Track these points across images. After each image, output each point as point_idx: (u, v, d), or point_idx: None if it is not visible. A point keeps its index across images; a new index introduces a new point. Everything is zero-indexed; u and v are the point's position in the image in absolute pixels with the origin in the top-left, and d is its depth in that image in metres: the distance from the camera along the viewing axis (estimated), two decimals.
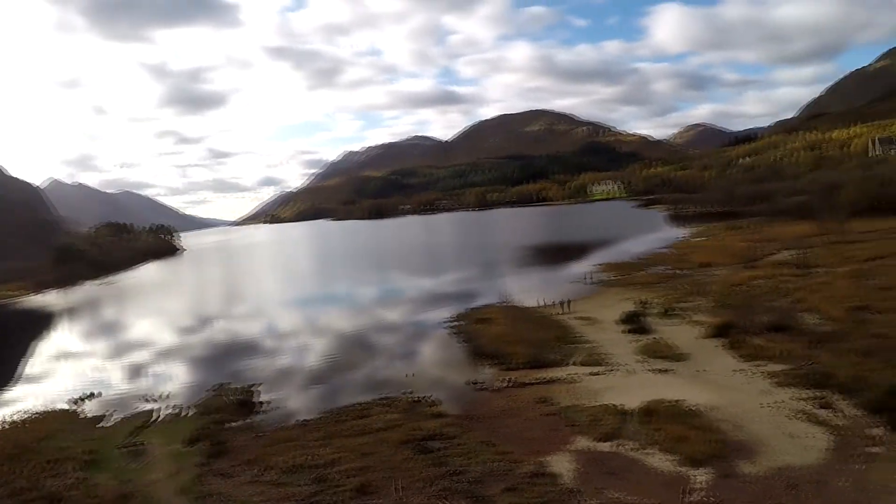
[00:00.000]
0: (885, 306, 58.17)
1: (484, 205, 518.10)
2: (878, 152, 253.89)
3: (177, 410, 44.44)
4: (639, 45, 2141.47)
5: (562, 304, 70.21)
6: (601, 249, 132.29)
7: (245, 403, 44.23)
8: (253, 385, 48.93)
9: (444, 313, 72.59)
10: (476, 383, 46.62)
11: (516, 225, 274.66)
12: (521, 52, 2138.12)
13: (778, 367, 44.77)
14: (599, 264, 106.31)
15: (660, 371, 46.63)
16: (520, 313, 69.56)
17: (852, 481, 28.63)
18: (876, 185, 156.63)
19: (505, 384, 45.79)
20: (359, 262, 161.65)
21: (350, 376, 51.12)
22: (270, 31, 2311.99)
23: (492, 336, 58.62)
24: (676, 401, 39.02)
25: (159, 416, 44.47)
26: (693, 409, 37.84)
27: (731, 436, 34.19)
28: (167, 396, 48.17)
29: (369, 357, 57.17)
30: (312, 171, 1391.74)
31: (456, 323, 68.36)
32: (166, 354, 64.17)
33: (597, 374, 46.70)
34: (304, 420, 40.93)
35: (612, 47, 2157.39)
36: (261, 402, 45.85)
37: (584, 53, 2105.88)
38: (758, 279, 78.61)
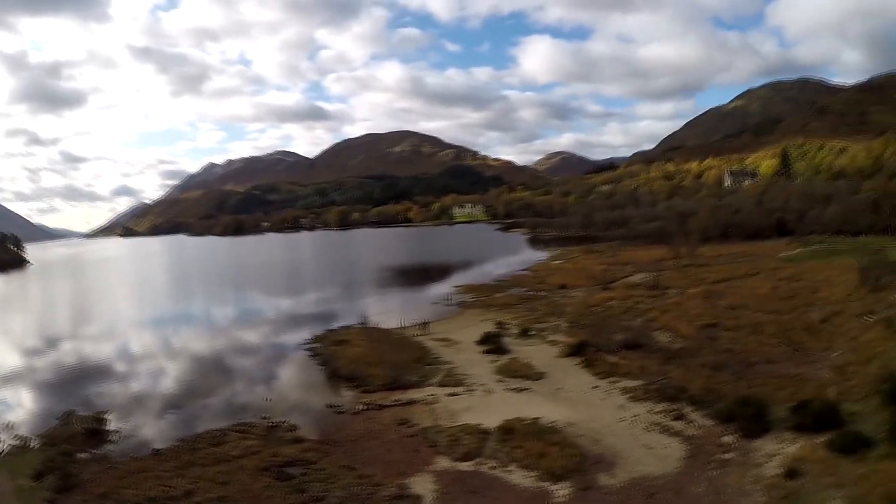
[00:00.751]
0: (732, 324, 71.16)
1: (346, 224, 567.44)
2: (730, 183, 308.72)
3: (21, 442, 45.69)
4: (508, 73, 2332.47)
5: (421, 325, 78.49)
6: (462, 271, 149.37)
7: (95, 432, 46.50)
8: (104, 412, 50.46)
9: (303, 335, 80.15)
10: (335, 406, 50.77)
11: (378, 245, 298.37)
12: (392, 72, 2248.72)
13: (633, 383, 52.16)
14: (460, 286, 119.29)
15: (518, 390, 52.44)
16: (379, 335, 76.16)
17: (708, 486, 34.33)
18: (728, 213, 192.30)
19: (364, 406, 50.16)
20: (217, 281, 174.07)
21: (206, 401, 54.42)
22: (138, 29, 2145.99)
23: (351, 358, 63.94)
24: (535, 418, 44.07)
25: (2, 449, 43.95)
26: (552, 425, 42.86)
27: (590, 450, 39.21)
28: (10, 426, 48.87)
29: (226, 381, 61.42)
30: (171, 182, 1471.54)
31: (315, 345, 74.13)
32: (8, 380, 65.34)
33: (456, 394, 52.09)
34: (159, 449, 43.07)
35: (482, 74, 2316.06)
36: (112, 431, 46.93)
37: (454, 78, 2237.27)
38: (613, 300, 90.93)
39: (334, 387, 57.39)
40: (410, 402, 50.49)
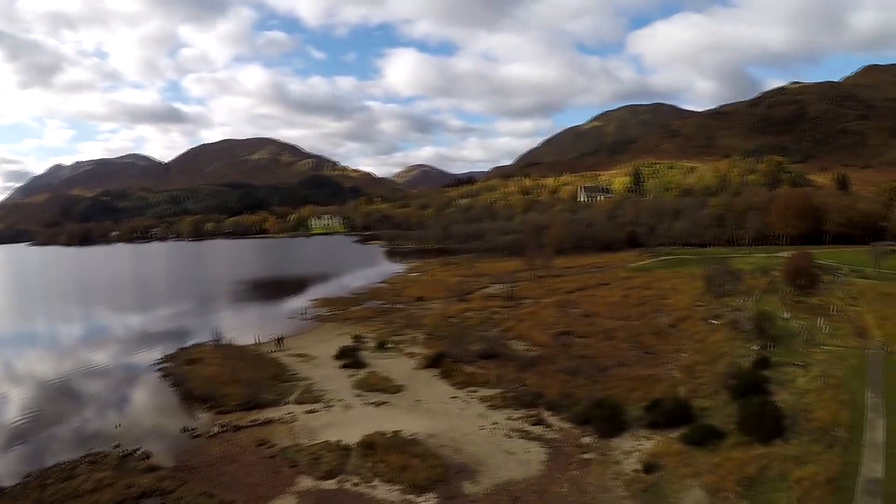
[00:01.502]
0: (586, 331, 76.17)
1: (200, 235, 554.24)
2: (584, 199, 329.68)
3: None
4: (372, 83, 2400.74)
5: (277, 340, 77.67)
6: (318, 284, 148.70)
7: None
8: None
9: (154, 354, 78.62)
10: (191, 430, 48.96)
11: (233, 258, 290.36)
12: (255, 76, 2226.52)
13: (491, 392, 54.06)
14: (316, 299, 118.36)
15: (378, 404, 52.59)
16: (234, 352, 74.26)
17: (571, 486, 36.10)
18: (582, 226, 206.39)
19: (221, 429, 48.66)
20: (62, 296, 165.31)
21: (54, 430, 51.24)
22: None
23: (205, 378, 61.95)
24: (396, 431, 44.31)
25: None
26: (413, 437, 43.23)
27: (453, 459, 39.89)
28: None
29: (74, 407, 57.98)
30: (14, 184, 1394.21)
31: (167, 364, 71.46)
32: None
33: (315, 411, 51.50)
34: (4, 488, 40.03)
35: (346, 83, 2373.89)
36: None
37: (318, 86, 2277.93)
38: (470, 311, 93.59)
39: (189, 409, 55.40)
40: (268, 422, 49.53)
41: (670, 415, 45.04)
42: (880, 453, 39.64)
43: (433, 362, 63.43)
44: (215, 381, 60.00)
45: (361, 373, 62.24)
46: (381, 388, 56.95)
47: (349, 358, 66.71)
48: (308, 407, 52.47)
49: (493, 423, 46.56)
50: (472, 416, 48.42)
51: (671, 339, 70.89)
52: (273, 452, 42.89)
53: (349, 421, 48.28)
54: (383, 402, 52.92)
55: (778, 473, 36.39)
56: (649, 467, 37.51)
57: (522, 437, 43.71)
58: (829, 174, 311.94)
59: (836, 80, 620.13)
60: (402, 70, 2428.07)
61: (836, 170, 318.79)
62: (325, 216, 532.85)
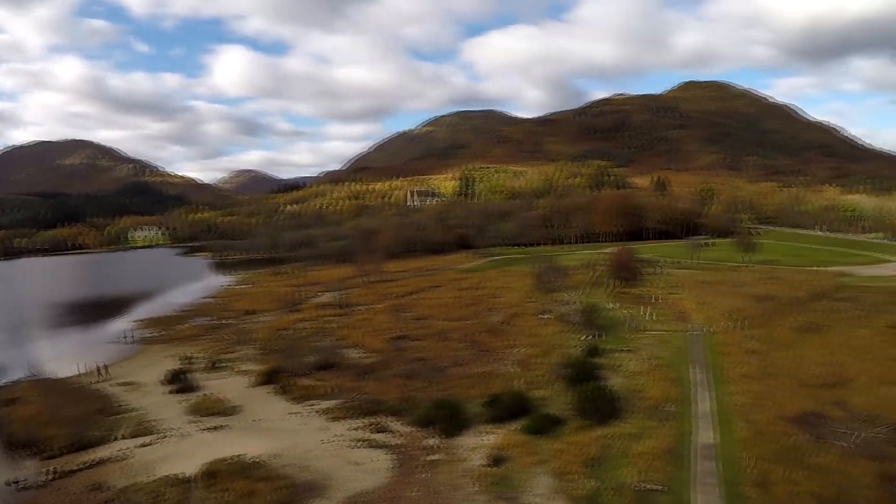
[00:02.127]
0: (420, 333, 78.05)
1: (10, 252, 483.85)
2: (414, 202, 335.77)
3: None
4: (198, 82, 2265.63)
5: (100, 369, 71.63)
6: (142, 303, 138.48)
7: None
8: None
9: None
10: (16, 482, 43.99)
11: (48, 277, 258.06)
12: (72, 68, 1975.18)
13: (330, 404, 53.82)
14: (140, 320, 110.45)
15: (215, 428, 50.36)
16: (54, 386, 67.25)
17: (422, 489, 36.82)
18: (412, 230, 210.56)
19: (51, 476, 44.21)
20: None
21: None
22: None
23: (25, 419, 55.40)
24: (238, 456, 42.58)
25: None
26: (256, 460, 41.85)
27: (300, 478, 39.16)
28: None
29: None
30: None
31: None
32: None
33: (149, 444, 48.11)
34: None
35: (171, 80, 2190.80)
36: None
37: (141, 82, 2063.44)
38: (303, 322, 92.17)
39: (11, 457, 49.46)
40: (101, 462, 45.61)
41: (510, 408, 47.46)
42: (710, 422, 44.89)
43: (268, 378, 61.91)
44: (37, 422, 54.39)
45: (194, 397, 59.36)
46: (216, 411, 54.74)
47: (180, 382, 63.50)
48: (141, 440, 49.14)
49: (336, 436, 46.41)
50: (313, 431, 47.91)
51: (505, 336, 74.43)
52: (109, 496, 39.70)
53: (187, 450, 45.91)
54: (221, 426, 50.90)
55: (619, 451, 39.88)
56: (496, 460, 39.22)
57: (367, 447, 43.95)
58: (648, 177, 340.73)
59: (657, 93, 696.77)
60: (230, 68, 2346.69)
61: (656, 173, 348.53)
62: (147, 227, 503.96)
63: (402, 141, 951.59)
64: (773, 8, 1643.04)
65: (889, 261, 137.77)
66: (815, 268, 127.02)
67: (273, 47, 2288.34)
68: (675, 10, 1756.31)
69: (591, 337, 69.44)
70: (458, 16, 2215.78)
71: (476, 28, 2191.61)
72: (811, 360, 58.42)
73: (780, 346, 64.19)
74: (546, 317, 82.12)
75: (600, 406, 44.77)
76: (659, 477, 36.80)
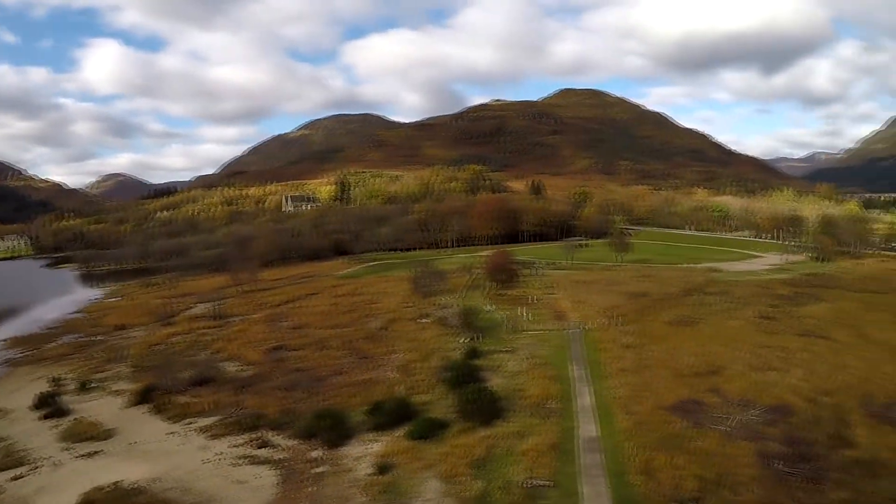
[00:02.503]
0: (298, 343, 77.00)
1: None
2: (290, 208, 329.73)
3: None
4: (67, 77, 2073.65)
5: None
6: (4, 321, 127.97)
7: None
8: None
9: None
10: None
11: None
12: None
13: (209, 421, 52.29)
14: (3, 340, 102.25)
15: (90, 455, 47.76)
16: None
17: (310, 503, 36.77)
18: (288, 237, 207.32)
19: None
20: None
21: None
22: None
23: None
24: (116, 483, 40.83)
25: None
26: (135, 486, 40.26)
27: (182, 501, 38.08)
28: None
29: None
30: None
31: None
32: None
33: (21, 476, 44.98)
34: None
35: (38, 75, 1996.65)
36: None
37: (4, 76, 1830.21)
38: (177, 335, 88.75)
39: None
40: None
41: (393, 414, 47.96)
42: (592, 416, 47.30)
43: (143, 397, 59.18)
44: None
45: (66, 421, 55.84)
46: (90, 435, 51.75)
47: (49, 406, 59.33)
48: (12, 473, 45.70)
49: (218, 454, 45.29)
50: (194, 451, 46.47)
51: (385, 342, 74.87)
52: None
53: (62, 481, 43.32)
54: (96, 452, 48.23)
55: (505, 450, 41.39)
56: (383, 468, 39.67)
57: (250, 463, 43.21)
58: (525, 181, 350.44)
59: (534, 99, 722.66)
60: (102, 63, 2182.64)
61: (532, 177, 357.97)
62: (8, 237, 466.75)
63: (278, 144, 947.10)
64: (648, 22, 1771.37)
65: (755, 256, 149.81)
66: (686, 265, 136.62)
67: (148, 43, 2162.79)
68: (554, 19, 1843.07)
69: (470, 339, 71.04)
70: (339, 17, 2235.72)
71: (357, 30, 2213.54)
72: (686, 351, 62.94)
73: (655, 340, 68.42)
74: (425, 321, 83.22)
75: (483, 407, 46.08)
76: (546, 472, 38.47)
